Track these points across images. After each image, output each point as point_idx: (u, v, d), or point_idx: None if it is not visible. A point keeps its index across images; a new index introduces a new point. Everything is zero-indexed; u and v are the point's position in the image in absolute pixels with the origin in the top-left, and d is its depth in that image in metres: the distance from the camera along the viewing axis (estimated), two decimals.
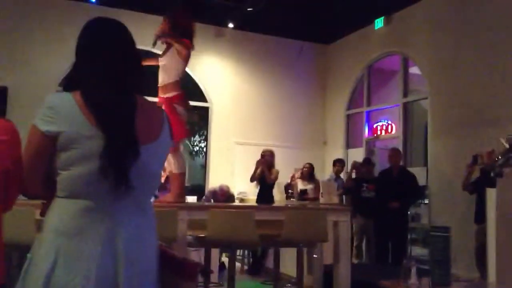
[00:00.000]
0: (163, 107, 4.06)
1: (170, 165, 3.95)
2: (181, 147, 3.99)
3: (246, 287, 5.86)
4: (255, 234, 3.90)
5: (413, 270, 2.90)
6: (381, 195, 6.41)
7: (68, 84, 1.51)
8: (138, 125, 1.47)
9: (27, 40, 8.03)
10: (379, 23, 8.83)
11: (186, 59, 4.21)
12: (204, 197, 6.43)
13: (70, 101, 1.43)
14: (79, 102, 1.42)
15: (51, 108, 1.42)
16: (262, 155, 7.31)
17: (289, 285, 4.89)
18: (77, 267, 1.35)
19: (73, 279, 1.34)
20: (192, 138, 10.64)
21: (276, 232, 4.23)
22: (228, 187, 6.74)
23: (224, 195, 6.19)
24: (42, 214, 1.48)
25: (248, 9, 8.13)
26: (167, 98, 4.10)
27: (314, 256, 4.89)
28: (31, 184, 1.46)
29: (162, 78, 4.17)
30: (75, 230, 1.39)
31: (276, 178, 7.35)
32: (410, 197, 6.30)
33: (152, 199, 5.87)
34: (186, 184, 9.25)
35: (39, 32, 8.12)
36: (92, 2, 8.03)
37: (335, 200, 7.08)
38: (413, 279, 2.89)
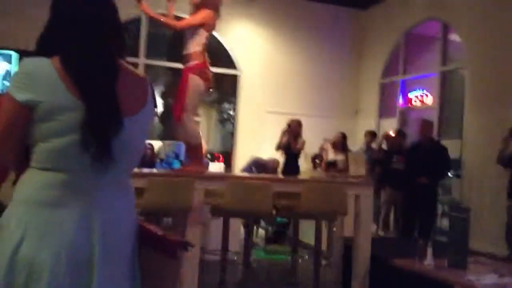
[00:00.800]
0: (183, 77, 4.00)
1: (184, 135, 3.92)
2: (194, 117, 3.91)
3: (263, 255, 5.89)
4: (270, 205, 3.85)
5: (429, 250, 2.79)
6: (410, 167, 6.21)
7: (43, 47, 1.40)
8: (122, 96, 1.38)
9: None
10: None
11: (209, 29, 4.08)
12: (245, 166, 6.33)
13: (49, 68, 1.32)
14: (59, 69, 1.32)
15: (27, 75, 1.31)
16: (288, 124, 7.20)
17: (306, 256, 4.87)
18: (47, 241, 1.29)
19: (41, 253, 1.27)
20: (221, 105, 10.59)
21: (295, 203, 4.16)
22: (278, 162, 6.62)
23: (274, 170, 6.13)
24: (15, 183, 1.40)
25: None
26: (186, 67, 4.02)
27: (334, 229, 4.81)
28: (4, 154, 1.38)
29: (185, 47, 4.09)
30: (49, 201, 1.31)
31: (302, 147, 7.24)
32: (439, 171, 6.08)
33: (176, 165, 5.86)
34: (214, 151, 9.31)
35: None
36: None
37: (363, 172, 6.94)
38: (428, 259, 2.79)
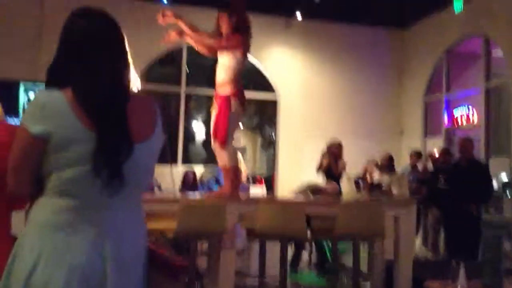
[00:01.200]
0: (218, 103, 4.04)
1: (221, 159, 3.96)
2: (232, 141, 3.96)
3: (303, 278, 5.82)
4: (304, 227, 3.81)
5: (462, 271, 2.69)
6: (451, 188, 5.99)
7: (54, 78, 1.44)
8: (132, 123, 1.42)
9: None
10: (458, 4, 8.22)
11: (244, 54, 4.13)
12: (297, 191, 6.23)
13: (60, 100, 1.36)
14: (70, 101, 1.36)
15: (40, 107, 1.35)
16: (328, 147, 7.14)
17: (344, 278, 4.76)
18: (60, 265, 1.31)
19: (55, 277, 1.30)
20: (263, 129, 10.67)
21: (332, 225, 4.11)
22: (337, 188, 6.53)
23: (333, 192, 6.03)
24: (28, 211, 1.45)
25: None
26: (222, 93, 4.07)
27: (374, 250, 4.69)
28: (18, 185, 1.41)
29: (220, 75, 4.11)
30: (61, 225, 1.35)
31: (343, 169, 7.14)
32: (480, 194, 5.81)
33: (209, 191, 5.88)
34: (254, 175, 9.35)
35: None
36: (163, 3, 8.20)
37: (406, 193, 6.77)
38: (461, 281, 2.68)
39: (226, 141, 3.85)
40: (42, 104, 1.36)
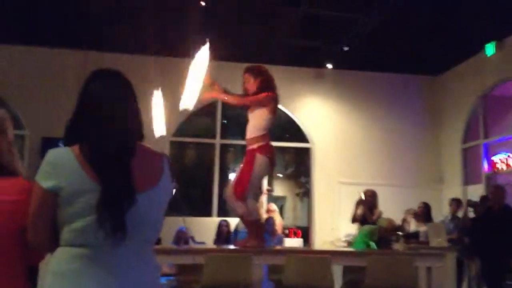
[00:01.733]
0: (245, 158, 4.16)
1: (246, 211, 4.01)
2: (250, 195, 4.01)
3: None
4: (331, 279, 3.74)
5: None
6: (485, 236, 5.76)
7: (68, 137, 1.58)
8: (135, 172, 1.51)
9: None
10: (490, 49, 8.19)
11: (272, 112, 4.24)
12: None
13: (69, 156, 1.48)
14: (78, 157, 1.48)
15: (50, 164, 1.48)
16: (362, 195, 7.04)
17: None
18: None
19: None
20: (299, 179, 10.65)
21: (362, 277, 4.02)
22: None
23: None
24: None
25: (344, 49, 8.08)
26: (251, 148, 4.17)
27: None
28: (35, 238, 1.53)
29: (250, 132, 4.24)
30: (71, 273, 1.44)
31: (378, 219, 6.99)
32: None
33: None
34: (293, 226, 9.25)
35: None
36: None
37: (444, 243, 6.53)
38: None
39: (244, 194, 3.91)
40: (52, 160, 1.49)
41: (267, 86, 4.25)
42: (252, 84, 4.26)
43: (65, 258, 1.47)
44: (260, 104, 4.18)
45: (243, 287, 3.72)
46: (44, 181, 1.47)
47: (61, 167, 1.48)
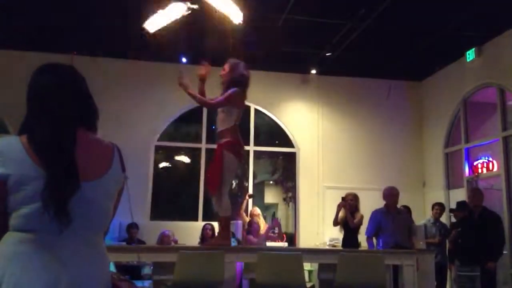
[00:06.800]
0: (215, 153, 4.27)
1: (218, 208, 4.09)
2: (224, 192, 4.10)
3: None
4: (302, 277, 3.82)
5: None
6: (464, 241, 5.84)
7: (20, 127, 1.66)
8: (82, 162, 1.57)
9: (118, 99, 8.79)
10: (470, 55, 8.34)
11: (238, 106, 4.35)
12: None
13: (17, 144, 1.55)
14: (26, 145, 1.55)
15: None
16: (343, 199, 7.12)
17: None
18: (19, 284, 1.46)
19: None
20: (286, 184, 10.71)
21: (332, 276, 4.10)
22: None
23: None
24: None
25: (327, 54, 8.21)
26: (219, 143, 4.28)
27: None
28: None
29: (218, 125, 4.37)
30: (18, 255, 1.50)
31: (359, 222, 7.07)
32: (492, 246, 5.63)
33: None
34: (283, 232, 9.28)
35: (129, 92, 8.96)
36: (183, 62, 8.68)
37: (421, 245, 6.62)
38: None
39: (217, 189, 3.98)
40: (0, 149, 1.56)
41: (238, 81, 4.36)
42: (225, 74, 4.40)
43: (12, 242, 1.53)
44: (229, 102, 4.29)
45: (214, 284, 3.79)
46: None
47: (8, 155, 1.54)
